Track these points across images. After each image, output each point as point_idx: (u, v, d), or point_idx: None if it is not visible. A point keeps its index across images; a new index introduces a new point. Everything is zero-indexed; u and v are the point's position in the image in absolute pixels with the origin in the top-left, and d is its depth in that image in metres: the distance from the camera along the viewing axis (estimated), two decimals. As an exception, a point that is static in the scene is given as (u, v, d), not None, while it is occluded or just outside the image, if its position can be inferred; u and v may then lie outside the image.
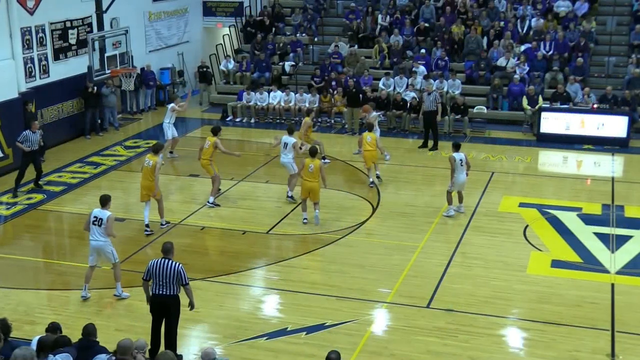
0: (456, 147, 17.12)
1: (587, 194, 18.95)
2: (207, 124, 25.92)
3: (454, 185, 16.86)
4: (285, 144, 17.87)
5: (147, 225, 16.03)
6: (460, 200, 17.17)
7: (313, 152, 16.64)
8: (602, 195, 18.55)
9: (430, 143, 22.24)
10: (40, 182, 19.11)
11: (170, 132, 21.31)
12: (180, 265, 10.96)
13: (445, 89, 24.94)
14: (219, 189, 18.16)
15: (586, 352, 11.55)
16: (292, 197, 17.82)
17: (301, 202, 16.76)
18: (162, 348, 10.78)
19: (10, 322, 9.32)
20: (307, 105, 25.03)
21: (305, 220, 16.56)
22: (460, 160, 16.79)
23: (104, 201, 13.09)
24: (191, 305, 11.24)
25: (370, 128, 19.48)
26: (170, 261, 10.91)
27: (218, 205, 17.63)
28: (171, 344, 10.97)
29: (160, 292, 10.88)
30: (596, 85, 24.71)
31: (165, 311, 10.98)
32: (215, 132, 18.00)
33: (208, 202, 17.68)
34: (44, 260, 15.38)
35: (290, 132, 18.19)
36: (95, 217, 12.87)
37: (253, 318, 12.68)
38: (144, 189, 16.03)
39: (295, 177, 17.71)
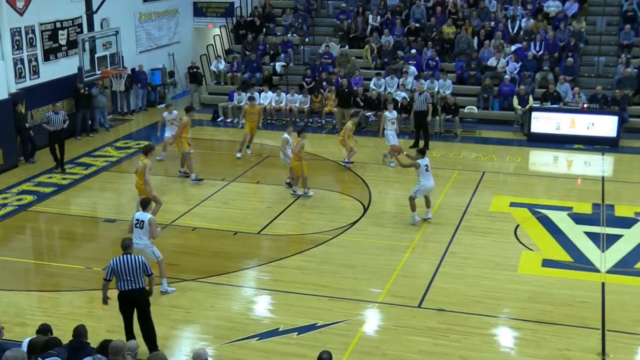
0: (421, 153, 16.80)
1: (578, 193, 19.01)
2: (197, 124, 25.89)
3: (418, 191, 16.50)
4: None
5: None
6: (428, 205, 16.77)
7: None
8: (592, 194, 18.61)
9: (422, 143, 22.26)
10: (64, 167, 20.31)
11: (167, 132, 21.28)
12: (143, 257, 11.28)
13: (436, 89, 24.97)
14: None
15: (577, 351, 11.58)
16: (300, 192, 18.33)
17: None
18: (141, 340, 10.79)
19: (1, 324, 9.28)
20: (297, 105, 25.02)
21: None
22: (426, 166, 16.45)
23: (145, 204, 13.40)
24: (150, 293, 11.42)
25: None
26: (133, 256, 11.15)
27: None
28: (150, 335, 11.09)
29: (130, 287, 11.01)
30: (586, 85, 24.78)
31: (137, 305, 11.14)
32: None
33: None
34: (35, 262, 15.31)
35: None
36: (137, 219, 13.12)
37: (244, 319, 12.67)
38: (137, 190, 16.02)
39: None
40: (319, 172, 20.36)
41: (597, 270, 14.42)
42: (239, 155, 21.39)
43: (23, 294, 13.60)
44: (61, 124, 20.28)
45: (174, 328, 12.34)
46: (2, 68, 20.76)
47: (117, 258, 11.09)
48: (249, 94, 24.41)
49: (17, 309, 12.88)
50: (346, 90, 24.46)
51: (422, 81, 24.23)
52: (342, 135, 20.46)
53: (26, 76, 21.88)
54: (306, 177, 18.08)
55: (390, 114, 20.96)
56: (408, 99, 24.16)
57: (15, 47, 21.38)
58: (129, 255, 11.11)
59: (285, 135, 19.12)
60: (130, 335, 11.07)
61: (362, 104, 24.61)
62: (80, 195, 18.69)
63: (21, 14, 21.58)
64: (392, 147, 19.76)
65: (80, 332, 9.22)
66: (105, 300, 11.36)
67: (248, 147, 21.87)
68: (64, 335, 9.49)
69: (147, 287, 11.28)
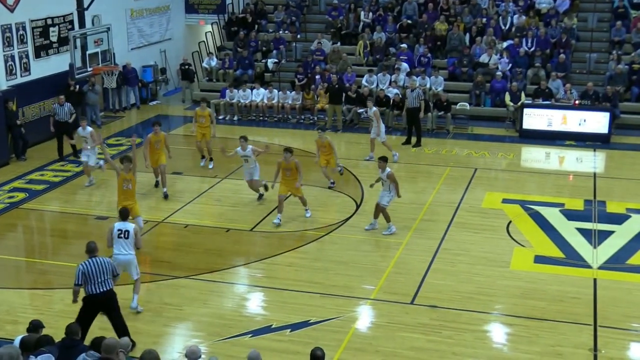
0: (384, 161, 15.86)
1: (570, 189, 19.07)
2: (189, 121, 25.82)
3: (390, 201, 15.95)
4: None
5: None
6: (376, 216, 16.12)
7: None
8: (584, 190, 18.67)
9: (414, 140, 22.29)
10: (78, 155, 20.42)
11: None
12: (108, 258, 11.28)
13: (428, 86, 24.98)
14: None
15: (569, 347, 11.62)
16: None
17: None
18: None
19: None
20: (290, 102, 24.99)
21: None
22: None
23: (126, 214, 12.75)
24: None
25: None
26: (101, 258, 11.06)
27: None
28: (126, 331, 11.08)
29: (101, 289, 10.92)
30: (578, 81, 24.85)
31: (108, 306, 11.13)
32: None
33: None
34: (26, 260, 15.28)
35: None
36: (119, 229, 12.33)
37: (237, 316, 12.67)
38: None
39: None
40: (311, 169, 20.35)
41: (589, 266, 14.47)
42: (202, 164, 20.45)
43: (15, 292, 13.57)
44: (67, 115, 20.80)
45: (167, 325, 12.34)
46: (-8, 65, 20.71)
47: (87, 262, 10.91)
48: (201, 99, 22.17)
49: (9, 307, 12.85)
50: (336, 86, 24.46)
51: (414, 78, 24.25)
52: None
53: (17, 73, 21.81)
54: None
55: (370, 111, 21.09)
56: (400, 96, 24.17)
57: (6, 44, 21.30)
58: (98, 258, 10.96)
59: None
60: (85, 332, 10.75)
61: (353, 100, 24.60)
62: (72, 193, 18.64)
63: (12, 11, 21.50)
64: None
65: (72, 330, 9.19)
66: (75, 301, 11.20)
67: (211, 159, 20.34)
68: (57, 333, 9.48)
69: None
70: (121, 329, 11.12)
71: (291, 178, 16.50)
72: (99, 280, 10.88)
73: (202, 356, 9.22)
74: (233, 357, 11.16)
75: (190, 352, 8.94)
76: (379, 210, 15.85)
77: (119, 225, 12.45)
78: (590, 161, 21.40)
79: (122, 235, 12.32)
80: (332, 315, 12.49)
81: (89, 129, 18.89)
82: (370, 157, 20.67)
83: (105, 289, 10.95)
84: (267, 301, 13.29)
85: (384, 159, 15.80)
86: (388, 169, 15.70)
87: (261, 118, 25.68)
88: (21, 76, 21.95)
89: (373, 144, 20.95)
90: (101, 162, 18.99)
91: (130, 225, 12.47)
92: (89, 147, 18.72)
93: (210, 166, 20.31)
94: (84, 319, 10.89)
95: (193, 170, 20.21)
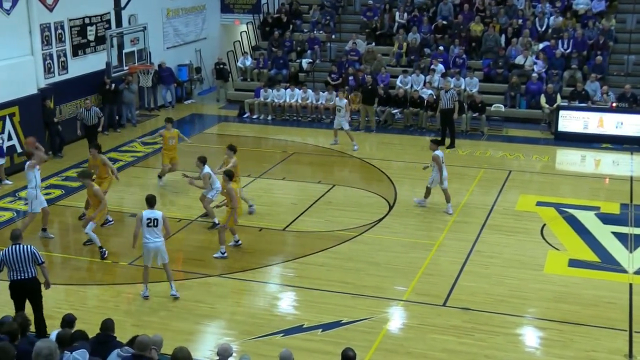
0: (436, 144, 17.59)
1: (605, 193, 18.85)
2: (224, 120, 26.02)
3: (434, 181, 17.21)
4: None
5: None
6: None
7: None
8: (620, 194, 18.44)
9: (448, 141, 22.17)
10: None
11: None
12: (33, 246, 11.38)
13: (462, 87, 24.85)
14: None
15: (603, 352, 11.49)
16: None
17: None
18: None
19: (29, 317, 9.38)
20: (323, 102, 24.99)
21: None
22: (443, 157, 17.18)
23: (153, 201, 13.07)
24: (47, 284, 11.59)
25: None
26: (22, 245, 11.28)
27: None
28: (40, 322, 11.27)
29: (19, 277, 11.23)
30: (615, 83, 24.54)
31: (27, 294, 11.35)
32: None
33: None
34: (62, 255, 15.47)
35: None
36: (148, 218, 12.78)
37: (269, 315, 12.71)
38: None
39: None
40: (344, 169, 20.39)
41: (625, 271, 14.29)
42: (160, 184, 18.89)
43: (50, 288, 13.70)
44: (94, 118, 20.96)
45: (199, 323, 12.42)
46: (31, 63, 20.98)
47: (7, 249, 11.29)
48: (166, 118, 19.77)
49: (45, 302, 12.98)
50: (369, 87, 24.41)
51: (449, 79, 24.09)
52: None
53: (55, 71, 22.10)
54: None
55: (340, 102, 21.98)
56: (434, 97, 24.09)
57: (45, 42, 21.58)
58: (18, 245, 11.27)
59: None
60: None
61: (386, 100, 24.54)
62: (107, 190, 18.79)
63: (51, 10, 21.79)
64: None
65: (107, 326, 9.31)
66: None
67: (160, 177, 19.04)
68: (90, 328, 9.56)
69: (40, 277, 11.48)
70: (37, 317, 11.26)
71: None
72: (19, 267, 11.19)
73: (234, 354, 9.29)
74: (264, 356, 11.19)
75: (222, 350, 8.99)
76: (428, 190, 17.30)
77: (147, 214, 12.86)
78: (626, 164, 21.12)
79: (152, 224, 12.80)
80: (363, 316, 12.48)
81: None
82: (335, 141, 22.01)
83: (22, 277, 11.23)
84: (299, 301, 13.31)
85: (435, 142, 17.54)
86: (437, 152, 17.00)
87: (295, 118, 25.72)
88: (59, 74, 22.23)
89: (336, 133, 22.10)
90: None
91: (158, 213, 12.91)
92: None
93: (161, 183, 18.87)
94: (16, 306, 11.33)
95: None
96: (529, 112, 24.60)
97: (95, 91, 23.38)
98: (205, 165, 16.22)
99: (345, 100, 22.38)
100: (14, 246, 11.28)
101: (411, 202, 17.74)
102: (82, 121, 20.98)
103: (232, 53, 29.18)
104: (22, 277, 11.24)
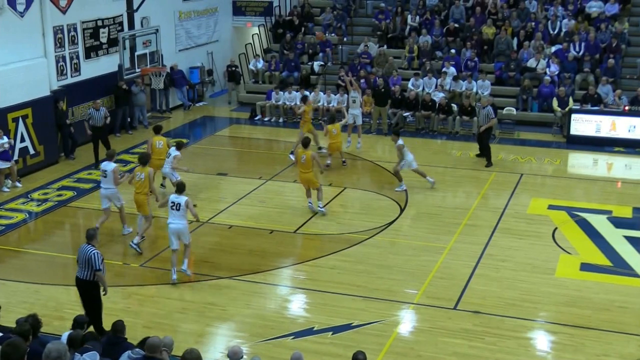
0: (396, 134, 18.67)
1: (618, 196, 18.76)
2: (235, 123, 26.06)
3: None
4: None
5: (143, 237, 15.49)
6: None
7: (305, 144, 17.40)
8: (632, 198, 18.35)
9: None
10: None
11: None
12: (95, 251, 11.50)
13: (474, 90, 24.80)
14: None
15: (615, 357, 11.43)
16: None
17: (306, 190, 17.38)
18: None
19: (40, 317, 9.41)
20: (335, 105, 24.97)
21: (310, 205, 17.25)
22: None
23: (181, 187, 13.99)
24: (104, 290, 11.76)
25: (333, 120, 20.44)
26: (88, 246, 11.55)
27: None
28: (93, 322, 11.27)
29: (79, 275, 11.65)
30: (628, 87, 24.44)
31: (83, 293, 11.71)
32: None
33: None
34: (74, 257, 15.46)
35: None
36: (172, 202, 13.78)
37: (279, 317, 12.72)
38: (137, 204, 15.57)
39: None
40: (355, 172, 20.38)
41: (637, 275, 14.22)
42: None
43: (62, 289, 13.78)
44: (102, 120, 20.72)
45: (210, 325, 12.44)
46: (44, 65, 21.07)
47: (81, 246, 11.73)
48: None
49: (57, 303, 13.08)
50: (382, 89, 24.39)
51: (489, 97, 22.86)
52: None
53: (68, 73, 22.18)
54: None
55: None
56: (446, 100, 24.04)
57: (58, 44, 21.68)
58: (86, 245, 11.61)
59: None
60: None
61: (399, 103, 24.50)
62: (119, 192, 18.85)
63: (64, 12, 21.88)
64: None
65: (118, 327, 9.34)
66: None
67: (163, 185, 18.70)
68: (102, 330, 9.61)
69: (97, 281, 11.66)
70: (88, 317, 11.18)
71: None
72: (80, 265, 11.64)
73: (244, 357, 9.29)
74: (275, 358, 11.20)
75: (233, 353, 9.00)
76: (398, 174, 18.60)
77: (173, 198, 13.89)
78: (639, 168, 21.02)
79: (174, 207, 13.77)
80: (374, 319, 12.47)
81: (112, 164, 15.98)
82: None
83: (80, 276, 11.60)
84: (310, 303, 13.31)
85: (395, 133, 18.77)
86: (399, 142, 18.26)
87: (306, 120, 25.69)
88: (71, 76, 22.32)
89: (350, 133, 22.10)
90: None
91: (182, 199, 13.75)
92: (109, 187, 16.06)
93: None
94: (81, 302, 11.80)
95: (237, 172, 20.32)
96: (541, 116, 24.52)
97: (108, 93, 23.42)
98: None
99: (360, 93, 22.63)
100: (83, 245, 11.66)
101: (422, 205, 17.74)
102: (90, 121, 20.88)
103: (243, 55, 29.23)
104: (80, 277, 11.63)
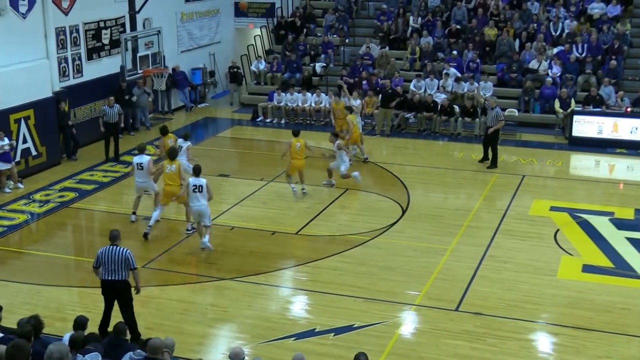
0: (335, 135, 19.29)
1: (620, 198, 18.75)
2: (237, 124, 26.08)
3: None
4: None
5: (150, 226, 15.86)
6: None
7: (296, 133, 18.61)
8: (634, 199, 18.34)
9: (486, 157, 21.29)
10: (120, 158, 21.42)
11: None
12: (128, 250, 11.46)
13: (476, 92, 24.79)
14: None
15: (617, 358, 11.42)
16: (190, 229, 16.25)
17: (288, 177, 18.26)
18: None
19: (42, 318, 9.42)
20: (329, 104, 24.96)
21: (293, 189, 18.24)
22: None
23: (198, 170, 14.80)
24: (137, 289, 11.69)
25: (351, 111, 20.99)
26: (118, 247, 11.43)
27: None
28: (129, 323, 11.20)
29: (110, 277, 11.41)
30: (630, 88, 24.43)
31: (116, 295, 11.51)
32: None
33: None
34: (75, 258, 15.55)
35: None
36: (194, 185, 14.59)
37: (281, 318, 12.71)
38: (167, 194, 15.81)
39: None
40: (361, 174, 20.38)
41: (639, 277, 14.21)
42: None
43: (64, 290, 13.81)
44: (116, 116, 21.39)
45: (211, 327, 12.44)
46: (46, 67, 21.09)
47: (104, 249, 11.47)
48: None
49: (59, 304, 13.09)
50: (389, 91, 24.37)
51: (495, 98, 22.36)
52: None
53: (70, 75, 22.20)
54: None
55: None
56: (448, 101, 24.05)
57: (60, 46, 21.69)
58: (114, 247, 11.43)
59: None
60: (105, 319, 11.51)
61: (401, 105, 24.49)
62: (120, 193, 18.91)
63: (66, 14, 21.90)
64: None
65: (119, 329, 9.35)
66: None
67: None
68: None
69: (132, 281, 11.58)
70: (126, 321, 11.17)
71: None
72: (110, 268, 11.38)
73: (246, 358, 9.29)
74: (276, 359, 11.20)
75: (234, 354, 9.00)
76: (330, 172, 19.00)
77: (193, 181, 14.66)
78: (641, 170, 21.04)
79: (197, 190, 14.59)
80: (376, 320, 12.46)
81: (146, 157, 16.63)
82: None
83: (113, 278, 11.39)
84: (311, 304, 13.31)
85: (334, 134, 19.35)
86: (338, 141, 18.79)
87: (308, 121, 25.73)
88: (73, 78, 22.34)
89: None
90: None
91: (202, 181, 14.63)
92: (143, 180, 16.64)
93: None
94: (105, 303, 11.60)
95: (239, 173, 20.33)
96: (543, 117, 24.52)
97: (109, 94, 23.36)
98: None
99: (360, 101, 22.59)
100: (110, 247, 11.44)
101: (424, 206, 17.74)
102: (104, 118, 21.31)
103: (245, 57, 29.25)
104: (113, 278, 11.40)
